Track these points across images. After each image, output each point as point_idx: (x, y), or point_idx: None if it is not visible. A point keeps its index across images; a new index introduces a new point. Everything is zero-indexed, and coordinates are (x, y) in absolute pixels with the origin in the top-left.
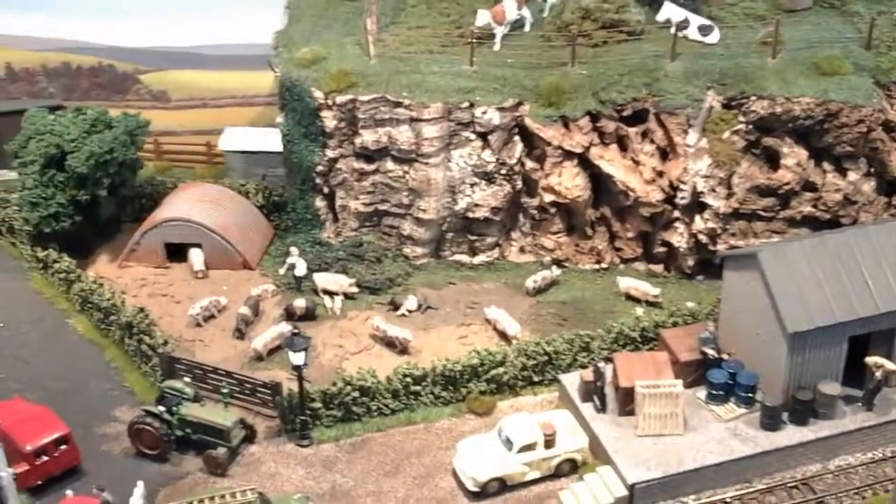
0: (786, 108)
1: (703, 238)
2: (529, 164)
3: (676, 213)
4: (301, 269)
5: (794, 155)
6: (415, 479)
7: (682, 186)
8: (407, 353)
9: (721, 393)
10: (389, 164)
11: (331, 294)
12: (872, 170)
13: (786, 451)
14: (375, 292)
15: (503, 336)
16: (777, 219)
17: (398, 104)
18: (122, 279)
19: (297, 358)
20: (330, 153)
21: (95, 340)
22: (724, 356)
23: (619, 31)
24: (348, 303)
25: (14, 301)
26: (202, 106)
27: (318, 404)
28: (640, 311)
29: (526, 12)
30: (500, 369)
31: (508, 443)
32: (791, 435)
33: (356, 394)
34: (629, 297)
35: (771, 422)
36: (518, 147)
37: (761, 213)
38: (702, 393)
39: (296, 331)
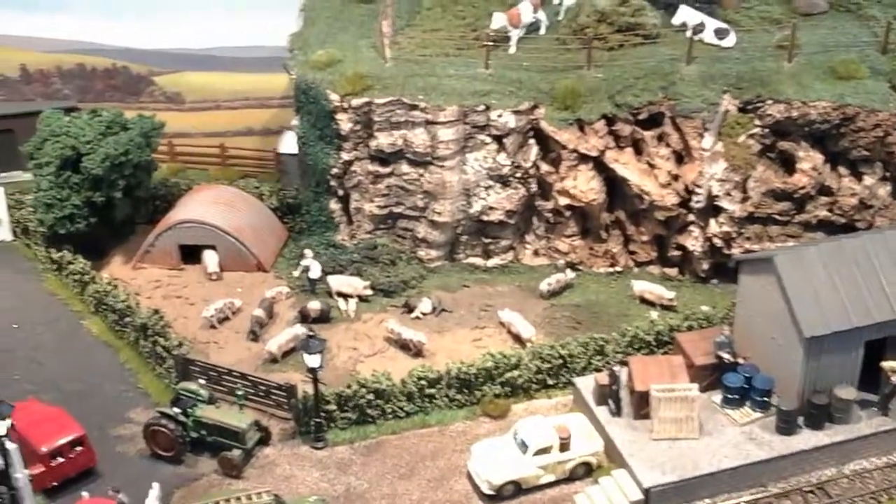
0: (802, 112)
1: (717, 242)
2: (544, 168)
3: (691, 217)
4: (315, 272)
5: (809, 159)
6: (429, 481)
7: (697, 190)
8: (421, 356)
9: (736, 397)
10: (404, 167)
11: (345, 296)
12: (888, 174)
13: (801, 456)
14: (389, 295)
15: (517, 339)
16: (792, 223)
17: (414, 107)
18: (136, 281)
19: (313, 360)
20: (345, 156)
21: (110, 342)
22: (740, 360)
23: (635, 35)
24: (362, 305)
25: (28, 302)
26: (216, 108)
27: (332, 406)
28: (654, 314)
29: (541, 15)
30: (515, 372)
31: (523, 446)
32: (807, 439)
33: (371, 396)
34: (643, 300)
35: (786, 426)
36: (533, 150)
37: (776, 216)
38: (717, 397)
39: (311, 333)
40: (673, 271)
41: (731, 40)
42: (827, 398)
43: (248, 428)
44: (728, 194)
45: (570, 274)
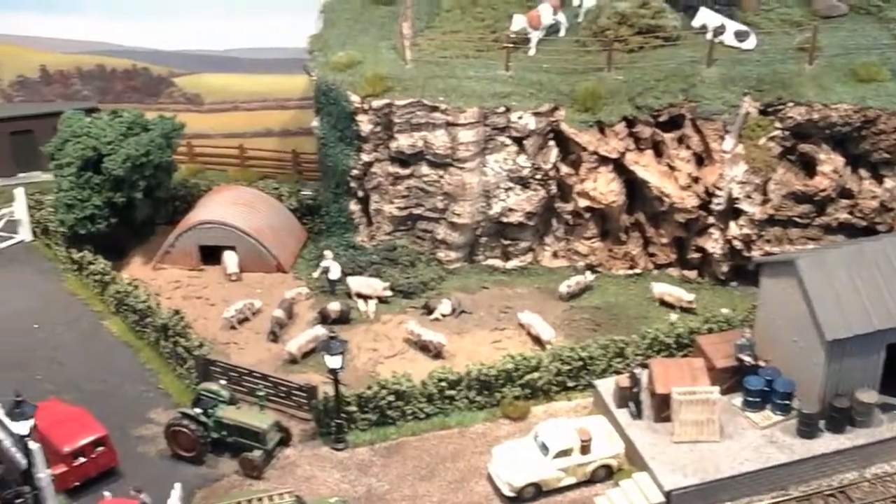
0: (823, 114)
1: (737, 244)
2: (564, 169)
3: (711, 219)
4: (335, 273)
5: (830, 161)
6: (450, 483)
7: (717, 192)
8: (441, 358)
9: (757, 400)
10: (424, 169)
11: (365, 298)
12: None
13: (822, 459)
14: (409, 296)
15: (537, 341)
16: (813, 225)
17: (434, 108)
18: (155, 281)
19: (334, 361)
20: (365, 157)
21: (130, 342)
22: (761, 363)
23: (656, 37)
24: (382, 306)
25: (49, 302)
26: (235, 109)
27: (353, 408)
28: (674, 316)
29: (561, 17)
30: (535, 374)
31: (544, 448)
32: (828, 443)
33: (391, 398)
34: (663, 302)
35: (808, 429)
36: (553, 152)
37: (797, 219)
38: (738, 400)
39: (333, 334)
40: (692, 274)
41: (751, 42)
42: (848, 401)
43: (270, 429)
44: (748, 197)
45: (589, 276)
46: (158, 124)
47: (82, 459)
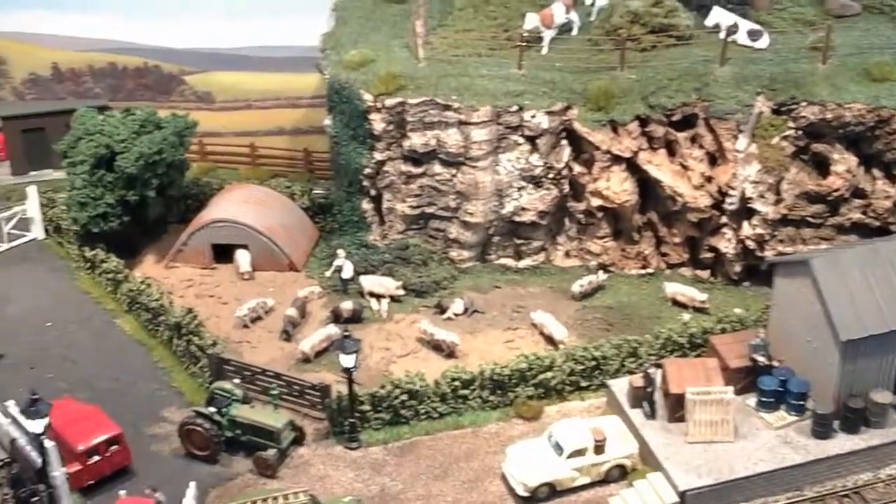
0: (836, 114)
1: (750, 244)
2: (577, 169)
3: (724, 219)
4: (348, 272)
5: (844, 161)
6: (464, 483)
7: (730, 192)
8: (454, 357)
9: (771, 400)
10: (437, 167)
11: (377, 297)
12: None
13: (837, 460)
14: (421, 295)
15: (549, 340)
16: (826, 225)
17: (447, 107)
18: (168, 280)
19: (348, 360)
20: (378, 156)
21: (143, 340)
22: (775, 363)
23: (668, 36)
24: (394, 305)
25: (61, 301)
26: (246, 107)
27: (366, 407)
28: (687, 316)
29: (574, 16)
30: (548, 374)
31: (558, 448)
32: (842, 443)
33: (405, 397)
34: (675, 302)
35: (822, 430)
36: (566, 151)
37: (810, 219)
38: (752, 400)
39: (347, 333)
40: (705, 273)
41: (764, 42)
42: (863, 402)
43: (284, 427)
44: (761, 196)
45: (601, 275)
46: (171, 122)
47: (96, 458)
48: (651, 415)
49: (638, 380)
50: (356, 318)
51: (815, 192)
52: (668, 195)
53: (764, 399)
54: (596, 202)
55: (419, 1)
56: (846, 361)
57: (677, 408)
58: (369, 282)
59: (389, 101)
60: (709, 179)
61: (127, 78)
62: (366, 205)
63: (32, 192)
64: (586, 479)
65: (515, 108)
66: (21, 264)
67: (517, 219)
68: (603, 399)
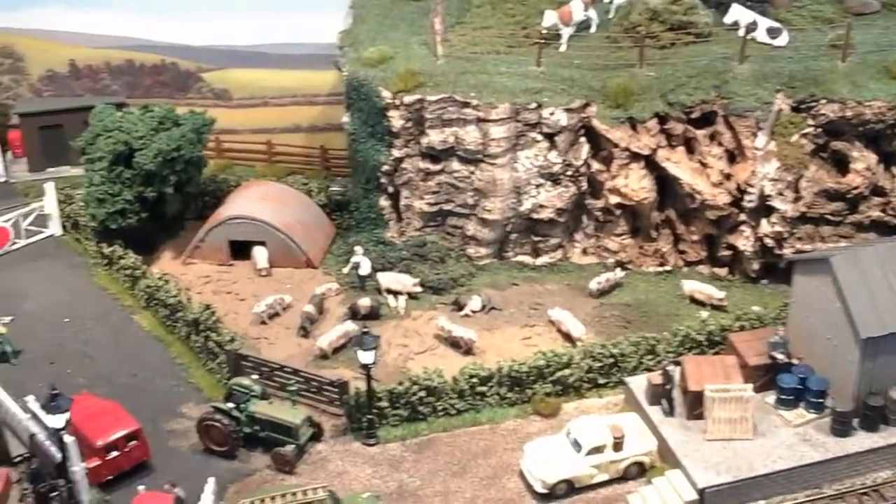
0: (856, 111)
1: (769, 242)
2: (595, 166)
3: (743, 217)
4: (365, 269)
5: (863, 159)
6: (482, 479)
7: (749, 189)
8: (471, 354)
9: (791, 398)
10: (455, 165)
11: (395, 293)
12: None
13: (856, 458)
14: (439, 292)
15: (567, 338)
16: (845, 223)
17: (466, 104)
18: (185, 276)
19: (367, 357)
20: (396, 153)
21: (160, 337)
22: (794, 361)
23: (687, 33)
24: (412, 302)
25: (79, 297)
26: (263, 105)
27: (384, 403)
28: (705, 314)
29: (592, 13)
30: (566, 371)
31: (577, 445)
32: (861, 441)
33: (422, 393)
34: (693, 300)
35: (841, 427)
36: (584, 148)
37: (829, 217)
38: (770, 398)
39: (365, 329)
40: (723, 271)
41: (783, 39)
42: (883, 400)
43: (302, 423)
44: (780, 194)
45: (619, 273)
46: (189, 119)
47: (115, 453)
48: (669, 412)
49: (656, 377)
50: (374, 314)
51: (834, 189)
52: (687, 193)
53: (783, 396)
54: (614, 199)
55: None
56: (866, 359)
57: (696, 405)
58: (387, 279)
59: (408, 98)
60: (727, 177)
61: (144, 75)
62: (383, 202)
63: (50, 188)
64: (604, 476)
65: (534, 105)
66: (39, 261)
67: (535, 216)
68: (621, 396)
